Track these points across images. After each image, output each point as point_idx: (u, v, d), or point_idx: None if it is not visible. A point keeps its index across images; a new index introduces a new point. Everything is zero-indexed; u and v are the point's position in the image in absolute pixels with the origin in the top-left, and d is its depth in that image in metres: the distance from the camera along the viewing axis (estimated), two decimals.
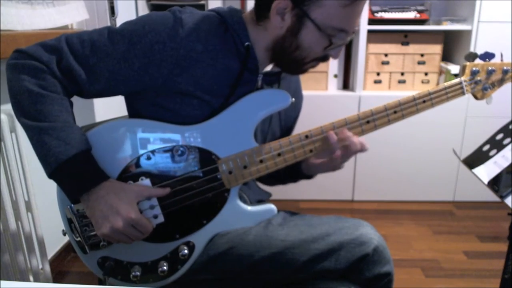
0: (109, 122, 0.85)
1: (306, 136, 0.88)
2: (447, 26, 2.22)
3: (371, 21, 2.23)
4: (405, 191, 2.41)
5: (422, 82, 2.35)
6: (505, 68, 0.96)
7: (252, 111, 0.86)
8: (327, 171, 0.92)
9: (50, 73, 0.78)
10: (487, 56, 0.94)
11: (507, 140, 0.93)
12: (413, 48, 2.29)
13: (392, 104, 0.89)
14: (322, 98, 2.29)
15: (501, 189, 0.91)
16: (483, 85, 0.95)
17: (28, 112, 0.76)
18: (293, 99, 0.88)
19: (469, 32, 2.19)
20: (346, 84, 2.41)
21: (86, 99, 0.87)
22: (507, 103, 2.23)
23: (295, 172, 1.00)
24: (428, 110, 0.90)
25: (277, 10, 0.79)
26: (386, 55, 2.30)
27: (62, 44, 0.79)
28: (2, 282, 0.57)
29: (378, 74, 2.34)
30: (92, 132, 0.83)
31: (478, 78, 0.94)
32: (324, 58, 0.86)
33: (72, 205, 0.82)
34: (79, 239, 0.84)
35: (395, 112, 0.89)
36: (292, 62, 0.85)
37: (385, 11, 2.25)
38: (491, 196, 2.18)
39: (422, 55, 2.30)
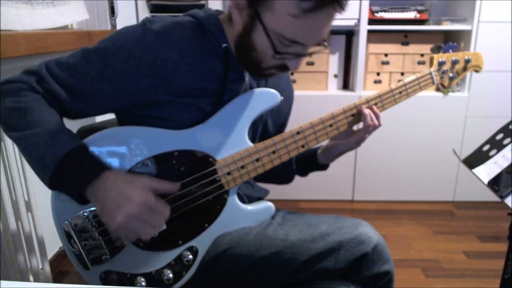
0: (100, 132, 0.83)
1: (298, 132, 0.89)
2: (447, 26, 2.22)
3: (371, 21, 2.23)
4: (405, 191, 2.41)
5: None
6: (466, 58, 1.06)
7: (243, 112, 0.86)
8: (349, 149, 0.96)
9: (32, 91, 0.79)
10: (450, 47, 1.04)
11: (507, 140, 0.93)
12: (413, 48, 2.29)
13: (373, 96, 0.95)
14: (322, 98, 2.28)
15: (501, 189, 0.91)
16: (449, 75, 1.04)
17: (18, 126, 0.76)
18: (282, 97, 0.88)
19: (469, 32, 2.19)
20: (346, 84, 2.41)
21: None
22: (507, 103, 2.23)
23: (309, 164, 1.02)
24: (405, 100, 0.99)
25: (235, 4, 0.77)
26: (386, 55, 2.31)
27: (42, 69, 0.81)
28: (2, 282, 0.57)
29: (378, 74, 2.34)
30: (85, 142, 0.82)
31: (445, 68, 1.03)
32: (282, 68, 0.81)
33: (70, 219, 0.80)
34: (79, 253, 0.81)
35: (375, 104, 0.95)
36: (250, 63, 0.82)
37: (385, 11, 2.25)
38: (491, 196, 2.17)
39: (422, 55, 2.30)
